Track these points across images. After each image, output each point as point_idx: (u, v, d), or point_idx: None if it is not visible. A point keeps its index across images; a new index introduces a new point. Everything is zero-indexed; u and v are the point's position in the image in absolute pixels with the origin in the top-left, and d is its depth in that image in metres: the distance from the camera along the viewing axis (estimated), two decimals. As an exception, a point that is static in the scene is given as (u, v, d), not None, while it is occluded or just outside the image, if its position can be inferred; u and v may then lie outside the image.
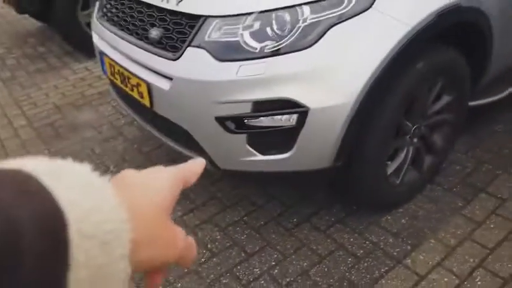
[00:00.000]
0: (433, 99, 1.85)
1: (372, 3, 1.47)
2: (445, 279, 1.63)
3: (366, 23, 1.47)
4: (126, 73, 1.87)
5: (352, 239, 1.83)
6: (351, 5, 1.45)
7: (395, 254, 1.75)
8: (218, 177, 2.23)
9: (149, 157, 2.51)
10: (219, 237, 1.92)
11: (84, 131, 2.85)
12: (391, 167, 1.84)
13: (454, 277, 1.63)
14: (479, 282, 1.61)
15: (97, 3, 2.27)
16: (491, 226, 1.84)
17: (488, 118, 2.51)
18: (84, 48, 4.05)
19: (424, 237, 1.81)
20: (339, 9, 1.45)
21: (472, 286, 1.60)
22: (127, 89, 1.92)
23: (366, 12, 1.46)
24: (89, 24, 3.92)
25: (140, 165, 2.44)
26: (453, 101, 1.91)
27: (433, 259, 1.71)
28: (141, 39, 1.78)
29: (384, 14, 1.48)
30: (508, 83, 2.27)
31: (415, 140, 1.88)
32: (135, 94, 1.87)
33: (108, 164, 2.48)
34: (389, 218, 1.92)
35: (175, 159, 2.42)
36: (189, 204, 2.12)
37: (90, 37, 3.91)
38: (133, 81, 1.83)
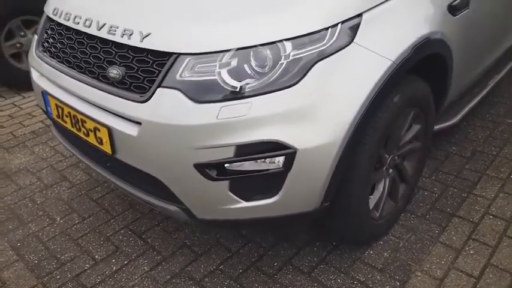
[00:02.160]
0: (406, 129, 1.85)
1: (353, 38, 1.42)
2: (441, 315, 1.59)
3: (348, 59, 1.41)
4: (80, 116, 1.65)
5: (339, 280, 1.74)
6: (332, 40, 1.39)
7: (386, 292, 1.68)
8: (184, 224, 2.05)
9: (101, 204, 2.25)
10: (195, 292, 1.74)
11: (20, 178, 2.52)
12: (372, 201, 1.79)
13: (448, 311, 1.60)
14: (472, 314, 1.59)
15: (35, 37, 2.02)
16: (471, 252, 1.85)
17: (442, 141, 2.59)
18: (11, 82, 3.68)
19: (410, 270, 1.77)
20: (321, 44, 1.38)
21: (466, 319, 1.57)
22: (80, 134, 1.70)
23: (348, 48, 1.41)
24: (13, 56, 3.57)
25: (92, 214, 2.20)
26: (421, 129, 1.92)
27: (425, 295, 1.67)
28: (97, 79, 1.58)
29: (366, 49, 1.44)
30: (460, 108, 2.36)
31: (391, 170, 1.86)
32: (91, 140, 1.65)
33: (53, 216, 2.19)
34: (371, 252, 1.86)
35: (132, 204, 2.20)
36: (155, 256, 1.91)
37: (16, 70, 3.60)
38: (90, 125, 1.62)
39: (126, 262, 1.88)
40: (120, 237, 2.01)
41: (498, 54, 2.67)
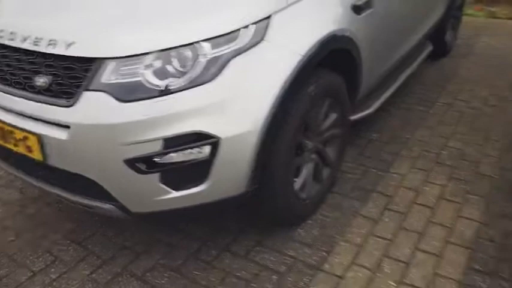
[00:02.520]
0: (323, 118, 2.05)
1: (263, 36, 1.59)
2: (360, 274, 1.79)
3: (261, 55, 1.58)
4: (6, 128, 1.69)
5: (272, 258, 1.89)
6: (245, 39, 1.56)
7: (314, 263, 1.85)
8: (124, 227, 2.11)
9: (37, 218, 2.25)
10: (138, 287, 1.81)
11: (-51, 201, 2.45)
12: (298, 183, 1.97)
13: (366, 271, 1.80)
14: (387, 270, 1.80)
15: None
16: (386, 220, 2.08)
17: (363, 129, 2.85)
18: None
19: (335, 241, 1.96)
20: (235, 43, 1.54)
21: (382, 275, 1.78)
22: (9, 145, 1.73)
23: (259, 45, 1.58)
24: None
25: (28, 230, 2.19)
26: (338, 117, 2.14)
27: (346, 259, 1.86)
28: (24, 89, 1.64)
29: (276, 45, 1.62)
30: (376, 98, 2.62)
31: (313, 155, 2.05)
32: (21, 149, 1.69)
33: (-13, 234, 2.16)
34: (301, 231, 2.04)
35: (70, 214, 2.22)
36: (95, 260, 1.95)
37: None
38: (18, 135, 1.66)
39: (65, 270, 1.90)
40: (59, 247, 2.03)
41: (407, 49, 2.99)
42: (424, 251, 1.90)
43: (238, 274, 1.83)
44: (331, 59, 1.91)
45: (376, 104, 2.58)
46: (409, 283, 1.75)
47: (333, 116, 2.10)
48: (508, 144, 2.67)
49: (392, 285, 1.74)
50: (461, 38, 4.43)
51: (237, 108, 1.54)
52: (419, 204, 2.19)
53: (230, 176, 1.60)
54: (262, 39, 1.58)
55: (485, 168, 2.45)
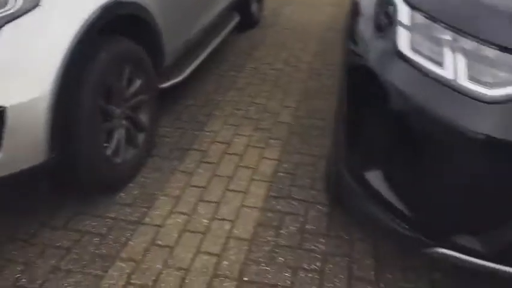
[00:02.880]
0: (127, 84, 2.14)
1: (38, 2, 1.60)
2: (178, 220, 1.98)
3: (38, 21, 1.59)
4: None
5: (94, 223, 1.95)
6: (17, 5, 1.54)
7: (135, 219, 1.98)
8: None
9: None
10: None
11: None
12: (110, 149, 2.04)
13: (184, 216, 2.00)
14: (202, 212, 2.03)
15: None
16: (201, 171, 2.31)
17: (181, 96, 3.03)
18: None
19: (155, 197, 2.11)
20: (6, 9, 1.52)
21: (197, 216, 2.00)
22: None
23: (34, 10, 1.58)
24: None
25: None
26: (144, 83, 2.26)
27: (165, 210, 2.03)
28: None
29: (54, 10, 1.64)
30: (184, 67, 2.81)
31: (124, 121, 2.14)
32: None
33: None
34: (122, 194, 2.13)
35: None
36: None
37: None
38: None
39: None
40: None
41: (209, 19, 3.23)
42: (233, 190, 2.18)
43: (58, 244, 1.84)
44: (124, 25, 1.99)
45: (186, 72, 2.78)
46: (220, 218, 2.01)
47: (138, 83, 2.21)
48: (303, 96, 3.15)
49: (205, 222, 1.98)
50: (268, 10, 4.94)
51: (19, 75, 1.54)
52: (230, 153, 2.48)
53: (26, 145, 1.60)
54: (37, 4, 1.59)
55: (284, 117, 2.87)
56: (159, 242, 1.86)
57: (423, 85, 1.28)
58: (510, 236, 1.22)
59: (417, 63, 1.30)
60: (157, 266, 1.75)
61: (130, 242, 1.86)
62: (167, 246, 1.85)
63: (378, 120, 1.43)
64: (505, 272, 1.26)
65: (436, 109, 1.23)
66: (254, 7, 4.38)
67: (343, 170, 1.63)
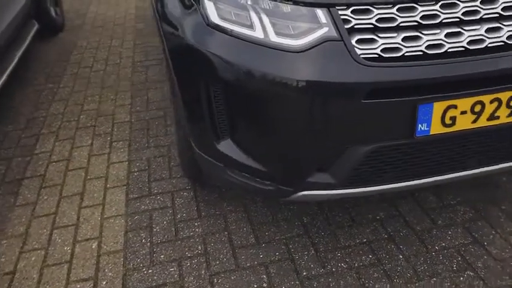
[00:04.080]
0: None
1: None
2: (33, 258, 1.74)
3: None
4: None
5: None
6: None
7: (-22, 276, 1.66)
8: None
9: None
10: None
11: None
12: None
13: (38, 251, 1.77)
14: (59, 240, 1.81)
15: None
16: (45, 198, 2.04)
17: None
18: None
19: (-4, 244, 1.80)
20: None
21: (55, 246, 1.78)
22: None
23: None
24: None
25: None
26: None
27: (14, 253, 1.76)
28: None
29: None
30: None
31: None
32: None
33: None
34: (-49, 254, 1.76)
35: None
36: None
37: None
38: None
39: None
40: None
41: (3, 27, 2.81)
42: (88, 207, 2.00)
43: None
44: None
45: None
46: (82, 239, 1.82)
47: None
48: (134, 92, 3.02)
49: (67, 249, 1.78)
50: (73, 12, 4.56)
51: None
52: (73, 169, 2.25)
53: None
54: None
55: (121, 117, 2.71)
56: (18, 290, 1.61)
57: (241, 49, 1.32)
58: (350, 163, 1.38)
59: (230, 30, 1.34)
60: (24, 316, 1.52)
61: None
62: (29, 290, 1.61)
63: (211, 92, 1.44)
64: (357, 192, 1.43)
65: (259, 68, 1.30)
66: (53, 12, 3.98)
67: (197, 149, 1.62)
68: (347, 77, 1.23)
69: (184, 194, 2.06)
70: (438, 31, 1.26)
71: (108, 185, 2.13)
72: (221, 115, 1.45)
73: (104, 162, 2.30)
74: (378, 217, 1.89)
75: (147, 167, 2.24)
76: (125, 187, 2.11)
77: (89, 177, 2.19)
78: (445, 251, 1.72)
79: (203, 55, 1.39)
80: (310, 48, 1.25)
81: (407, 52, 1.25)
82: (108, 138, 2.50)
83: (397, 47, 1.25)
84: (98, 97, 2.96)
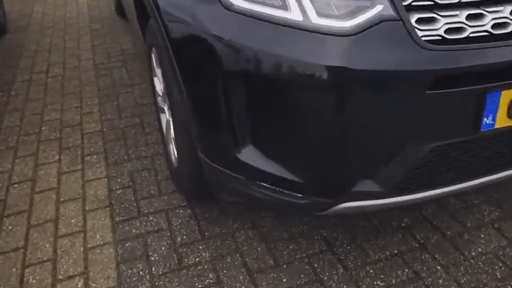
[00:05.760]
0: None
1: None
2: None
3: None
4: None
5: None
6: None
7: None
8: None
9: None
10: None
11: None
12: None
13: (11, 299, 1.41)
14: (34, 281, 1.46)
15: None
16: (9, 228, 1.67)
17: None
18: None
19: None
20: None
21: (34, 291, 1.44)
22: None
23: None
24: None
25: None
26: None
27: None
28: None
29: None
30: None
31: None
32: None
33: None
34: None
35: None
36: None
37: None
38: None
39: None
40: None
41: None
42: (66, 235, 1.66)
43: None
44: None
45: None
46: (63, 277, 1.49)
47: None
48: (102, 98, 2.66)
49: (48, 292, 1.44)
50: (16, 12, 4.07)
51: None
52: (41, 191, 1.89)
53: None
54: None
55: (91, 126, 2.36)
56: None
57: (273, 35, 1.09)
58: (403, 167, 1.17)
59: (258, 13, 1.10)
60: None
61: None
62: None
63: (231, 89, 1.19)
64: (406, 200, 1.23)
65: (296, 57, 1.06)
66: (-5, 11, 3.53)
67: (209, 161, 1.35)
68: (409, 64, 1.02)
69: (181, 212, 1.77)
70: (502, 8, 1.09)
71: (87, 207, 1.79)
72: (244, 118, 1.20)
73: (78, 180, 1.95)
74: (403, 224, 1.70)
75: (131, 183, 1.93)
76: (108, 208, 1.79)
77: (61, 199, 1.84)
78: (483, 257, 1.57)
79: (222, 46, 1.13)
80: (362, 31, 1.03)
81: (472, 33, 1.06)
82: (79, 152, 2.15)
83: (461, 27, 1.06)
84: (59, 105, 2.58)
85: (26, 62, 3.14)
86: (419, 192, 1.22)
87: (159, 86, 1.89)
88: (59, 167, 2.04)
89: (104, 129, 2.33)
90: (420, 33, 1.03)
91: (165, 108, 1.86)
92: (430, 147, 1.12)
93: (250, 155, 1.24)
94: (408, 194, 1.22)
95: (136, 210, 1.78)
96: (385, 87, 1.05)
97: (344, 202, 1.22)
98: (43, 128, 2.35)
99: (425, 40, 1.03)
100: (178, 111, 1.48)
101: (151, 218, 1.74)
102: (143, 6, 1.64)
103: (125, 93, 2.68)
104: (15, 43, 3.47)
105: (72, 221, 1.73)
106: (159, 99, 1.94)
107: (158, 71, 1.76)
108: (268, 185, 1.27)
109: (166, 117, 1.84)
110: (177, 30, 1.31)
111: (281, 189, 1.25)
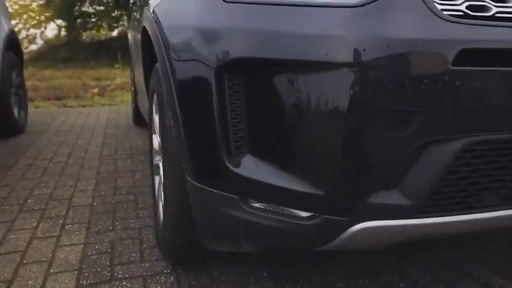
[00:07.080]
0: None
1: None
2: None
3: None
4: None
5: None
6: None
7: None
8: None
9: None
10: None
11: None
12: None
13: None
14: None
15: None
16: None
17: None
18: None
19: None
20: None
21: None
22: None
23: None
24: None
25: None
26: None
27: None
28: None
29: None
30: None
31: None
32: None
33: None
34: None
35: None
36: None
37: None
38: None
39: None
40: None
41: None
42: (16, 297, 1.33)
43: None
44: None
45: None
46: None
47: None
48: (100, 179, 2.50)
49: None
50: (38, 121, 4.25)
51: None
52: (4, 253, 1.61)
53: None
54: None
55: (81, 200, 2.15)
56: None
57: (273, 16, 0.96)
58: (429, 174, 0.93)
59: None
60: None
61: None
62: None
63: (226, 86, 1.02)
64: (445, 223, 0.94)
65: (300, 39, 0.92)
66: (17, 112, 3.68)
67: (196, 182, 1.12)
68: (428, 33, 0.88)
69: (162, 278, 1.44)
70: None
71: (51, 270, 1.49)
72: (240, 121, 1.01)
73: (50, 245, 1.68)
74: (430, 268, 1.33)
75: (109, 250, 1.64)
76: (76, 272, 1.47)
77: (24, 261, 1.55)
78: None
79: (218, 35, 1.02)
80: (371, 2, 0.91)
81: (498, 13, 0.93)
82: (60, 221, 1.90)
83: (485, 5, 0.94)
84: (54, 183, 2.42)
85: (33, 152, 3.09)
86: (461, 213, 0.94)
87: (156, 141, 1.75)
88: (33, 232, 1.78)
89: (94, 203, 2.12)
90: (439, 7, 0.91)
91: (159, 164, 1.69)
92: (463, 143, 0.89)
93: (248, 166, 1.02)
94: (446, 214, 0.94)
95: (109, 274, 1.46)
96: (404, 61, 0.88)
97: (362, 221, 0.94)
98: (29, 200, 2.15)
99: (445, 13, 0.90)
100: (169, 140, 1.30)
101: (124, 283, 1.41)
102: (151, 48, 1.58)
103: (124, 177, 2.53)
104: (29, 140, 3.49)
105: (29, 282, 1.41)
106: (156, 158, 1.78)
107: (156, 117, 1.64)
108: (266, 206, 1.01)
109: (160, 175, 1.65)
110: (164, 25, 1.22)
111: (283, 208, 0.99)
